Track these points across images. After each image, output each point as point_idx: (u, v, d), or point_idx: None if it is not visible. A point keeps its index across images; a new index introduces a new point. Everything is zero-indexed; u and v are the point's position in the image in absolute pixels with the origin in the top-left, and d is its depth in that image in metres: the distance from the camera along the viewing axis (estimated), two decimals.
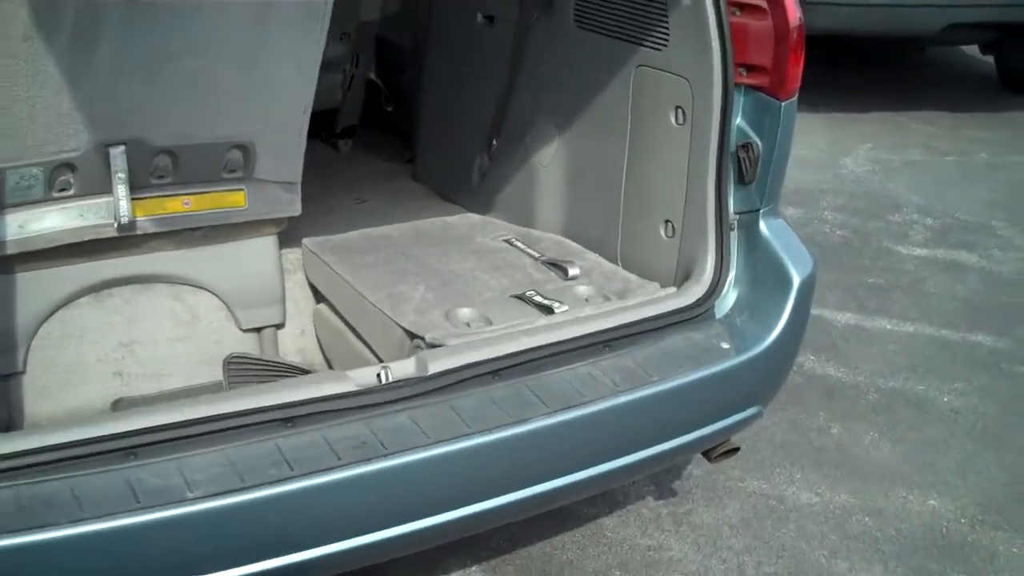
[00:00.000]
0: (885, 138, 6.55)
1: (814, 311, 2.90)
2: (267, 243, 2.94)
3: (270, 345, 3.02)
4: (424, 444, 2.04)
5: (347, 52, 3.69)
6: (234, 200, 2.80)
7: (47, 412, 2.69)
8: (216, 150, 2.69)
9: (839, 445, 3.38)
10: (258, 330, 3.01)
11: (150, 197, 2.69)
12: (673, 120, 2.62)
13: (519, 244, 3.04)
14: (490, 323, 2.52)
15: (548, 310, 2.55)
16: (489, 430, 2.09)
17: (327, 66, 2.80)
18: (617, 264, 2.86)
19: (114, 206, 2.60)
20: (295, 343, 3.06)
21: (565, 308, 2.55)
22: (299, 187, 2.85)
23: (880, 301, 4.37)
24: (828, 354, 3.92)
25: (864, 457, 3.33)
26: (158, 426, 1.96)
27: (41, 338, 2.73)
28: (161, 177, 2.66)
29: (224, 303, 2.94)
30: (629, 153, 2.77)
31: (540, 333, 2.37)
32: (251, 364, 2.86)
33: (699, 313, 2.51)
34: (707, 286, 2.54)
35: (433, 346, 2.38)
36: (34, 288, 2.69)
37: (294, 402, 2.07)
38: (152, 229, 2.71)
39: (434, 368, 2.21)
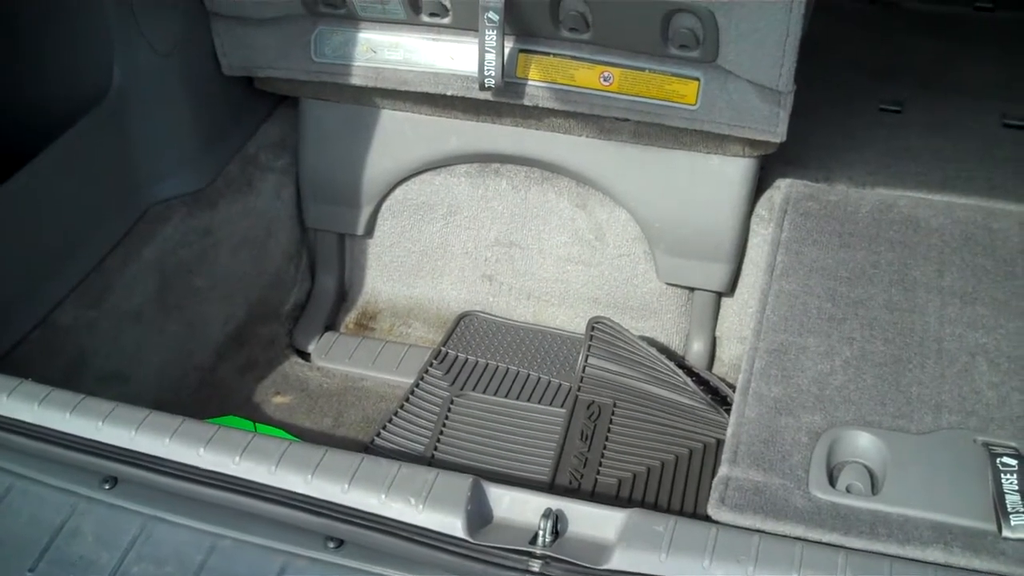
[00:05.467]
0: None
1: None
2: (730, 169, 1.84)
3: (701, 320, 1.98)
4: None
5: None
6: (679, 92, 1.74)
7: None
8: (654, 9, 1.64)
9: None
10: (689, 290, 1.97)
11: (551, 55, 1.77)
12: None
13: None
14: None
15: None
16: None
17: None
18: None
19: (479, 58, 1.73)
20: (736, 328, 1.95)
21: None
22: (787, 99, 1.67)
23: None
24: None
25: None
26: None
27: (392, 206, 2.08)
28: (573, 30, 1.71)
29: (643, 234, 1.94)
30: None
31: None
32: (619, 346, 1.88)
33: None
34: None
35: None
36: (385, 139, 1.99)
37: None
38: (549, 103, 1.80)
39: None
